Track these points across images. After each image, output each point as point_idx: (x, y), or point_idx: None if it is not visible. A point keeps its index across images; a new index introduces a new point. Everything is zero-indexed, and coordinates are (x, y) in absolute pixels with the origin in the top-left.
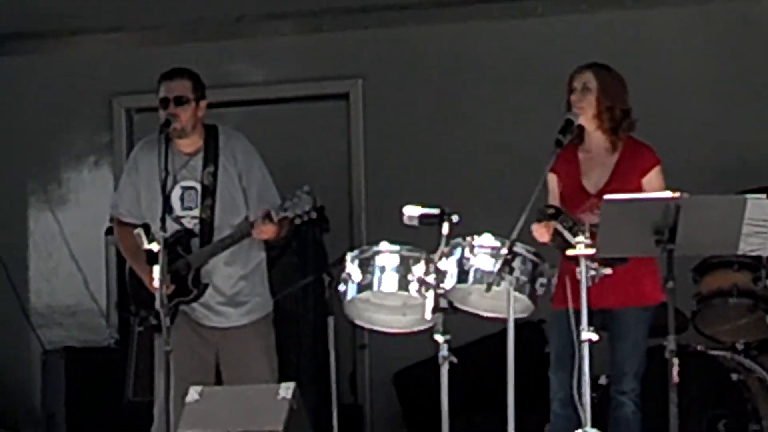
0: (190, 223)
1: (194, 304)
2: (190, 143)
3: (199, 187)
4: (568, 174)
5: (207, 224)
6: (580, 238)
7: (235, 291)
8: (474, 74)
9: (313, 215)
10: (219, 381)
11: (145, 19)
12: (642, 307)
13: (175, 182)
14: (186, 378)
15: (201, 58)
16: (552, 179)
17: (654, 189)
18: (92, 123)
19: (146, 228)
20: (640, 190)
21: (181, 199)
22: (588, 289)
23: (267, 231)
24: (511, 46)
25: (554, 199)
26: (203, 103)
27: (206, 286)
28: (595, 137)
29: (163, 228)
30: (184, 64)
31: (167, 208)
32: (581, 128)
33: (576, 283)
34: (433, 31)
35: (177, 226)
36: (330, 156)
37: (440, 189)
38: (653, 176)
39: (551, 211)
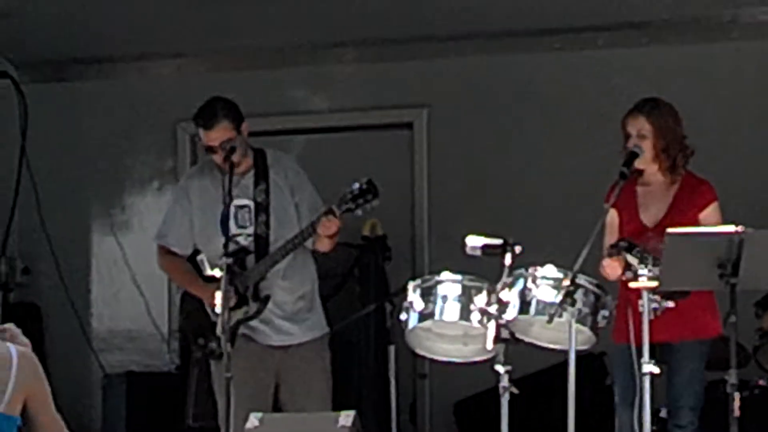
0: (246, 241)
1: (256, 323)
2: (242, 164)
3: (252, 204)
4: (626, 207)
5: (262, 240)
6: (648, 269)
7: (296, 308)
8: (536, 104)
9: (370, 198)
10: (276, 404)
11: (208, 45)
12: (698, 341)
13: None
14: (246, 403)
15: (264, 85)
16: (611, 213)
17: (711, 225)
18: (156, 149)
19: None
20: (697, 225)
21: (235, 217)
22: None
23: (331, 226)
24: (572, 76)
25: (613, 232)
26: (245, 126)
27: (268, 297)
28: (655, 174)
29: (227, 253)
30: (247, 91)
31: (225, 230)
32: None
33: (637, 315)
34: (497, 61)
35: (232, 246)
36: (393, 185)
37: (503, 219)
38: (710, 212)
39: (624, 244)
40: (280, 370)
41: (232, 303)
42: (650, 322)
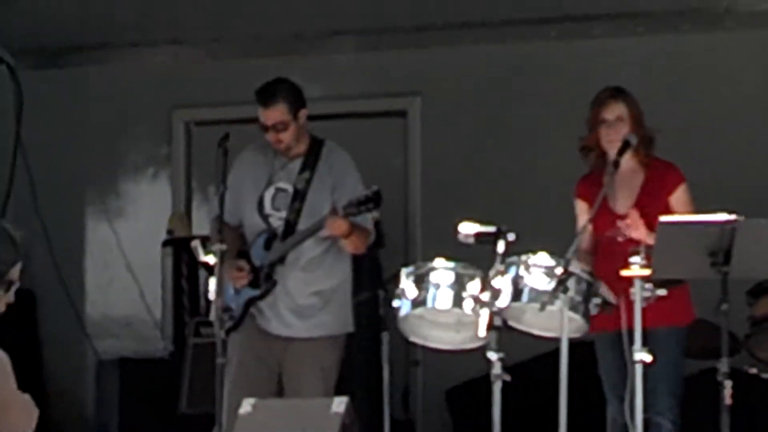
0: (276, 223)
1: (263, 307)
2: (292, 149)
3: (291, 189)
4: (595, 199)
5: (291, 226)
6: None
7: (306, 303)
8: (531, 93)
9: (372, 207)
10: (281, 389)
11: (204, 33)
12: (672, 327)
13: (270, 182)
14: (251, 385)
15: (259, 73)
16: (581, 206)
17: (682, 206)
18: (151, 135)
19: (203, 241)
20: (668, 208)
21: (273, 199)
22: (617, 310)
23: (335, 226)
24: (567, 66)
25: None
26: (303, 113)
27: (275, 282)
28: (624, 162)
29: (221, 239)
30: (243, 79)
31: (221, 212)
32: (603, 154)
33: (629, 304)
34: (491, 50)
35: (263, 225)
36: (387, 172)
37: (497, 207)
38: (680, 194)
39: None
40: (281, 360)
41: (246, 281)
42: (618, 310)
